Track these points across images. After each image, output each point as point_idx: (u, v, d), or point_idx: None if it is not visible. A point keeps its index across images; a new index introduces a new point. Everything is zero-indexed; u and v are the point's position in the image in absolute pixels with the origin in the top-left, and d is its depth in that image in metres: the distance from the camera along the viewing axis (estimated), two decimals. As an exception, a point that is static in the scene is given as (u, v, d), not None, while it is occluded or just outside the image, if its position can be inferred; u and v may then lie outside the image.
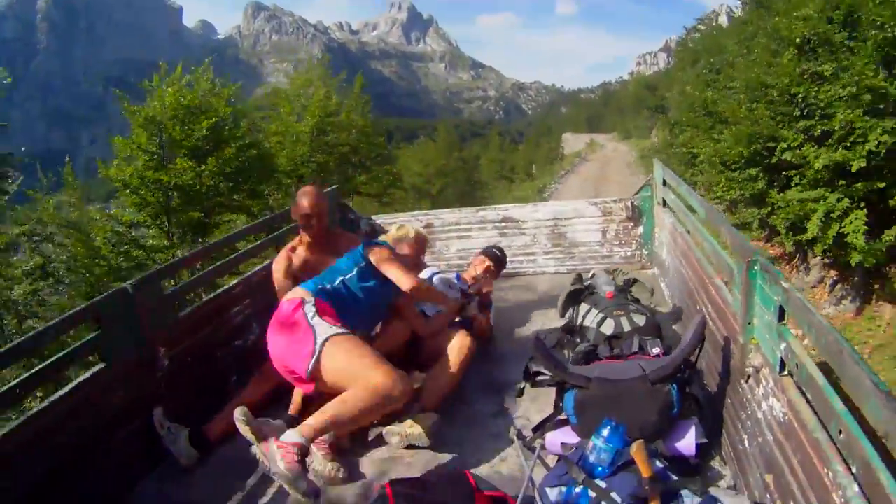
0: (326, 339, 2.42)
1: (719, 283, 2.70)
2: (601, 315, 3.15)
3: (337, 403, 2.34)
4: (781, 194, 7.57)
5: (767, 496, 1.84)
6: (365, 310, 2.82)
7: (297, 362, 2.45)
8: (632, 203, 4.81)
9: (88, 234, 10.14)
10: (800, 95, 7.35)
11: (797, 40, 7.63)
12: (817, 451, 1.51)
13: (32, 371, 2.28)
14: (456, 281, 3.84)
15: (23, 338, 2.48)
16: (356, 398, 2.34)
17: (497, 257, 4.06)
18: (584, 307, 3.37)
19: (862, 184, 6.55)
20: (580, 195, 29.47)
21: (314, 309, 2.54)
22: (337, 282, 2.74)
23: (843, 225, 6.55)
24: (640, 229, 4.85)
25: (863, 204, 6.59)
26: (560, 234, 5.05)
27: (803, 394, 1.67)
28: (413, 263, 3.28)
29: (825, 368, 1.53)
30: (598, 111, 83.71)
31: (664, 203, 4.33)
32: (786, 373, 1.81)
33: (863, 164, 6.33)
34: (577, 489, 1.99)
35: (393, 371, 2.39)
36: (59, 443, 2.29)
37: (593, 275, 3.94)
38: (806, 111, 7.34)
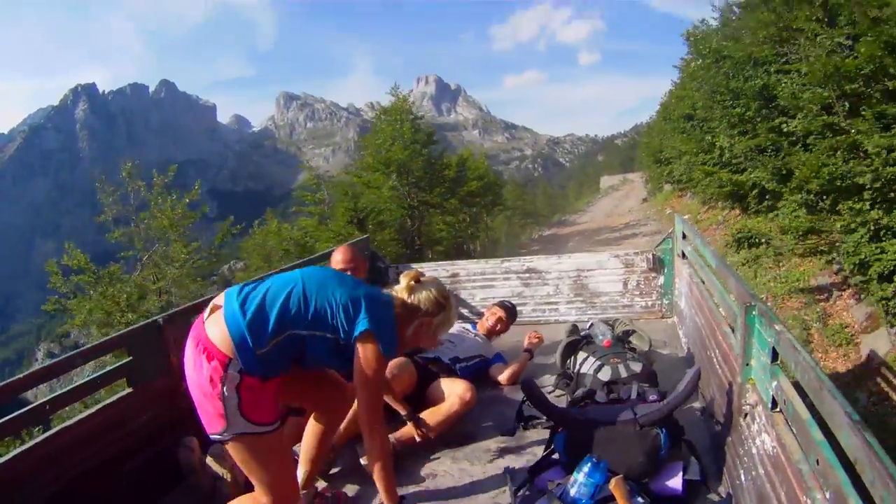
0: (234, 436, 2.13)
1: (726, 329, 2.87)
2: (598, 362, 3.36)
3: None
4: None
5: None
6: (305, 366, 2.36)
7: (205, 420, 2.16)
8: (653, 255, 5.10)
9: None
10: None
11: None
12: (799, 481, 1.68)
13: (64, 390, 2.49)
14: (472, 330, 4.22)
15: (54, 360, 2.58)
16: None
17: (509, 308, 4.42)
18: (581, 355, 3.59)
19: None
20: (610, 205, 46.54)
21: (235, 386, 2.09)
22: (287, 333, 2.17)
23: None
24: (661, 280, 5.11)
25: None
26: (582, 284, 5.30)
27: (791, 428, 1.84)
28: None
29: (811, 403, 1.69)
30: (630, 153, 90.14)
31: (683, 255, 4.62)
32: (777, 409, 1.98)
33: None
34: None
35: (290, 491, 2.30)
36: (79, 461, 2.48)
37: (591, 325, 4.14)
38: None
